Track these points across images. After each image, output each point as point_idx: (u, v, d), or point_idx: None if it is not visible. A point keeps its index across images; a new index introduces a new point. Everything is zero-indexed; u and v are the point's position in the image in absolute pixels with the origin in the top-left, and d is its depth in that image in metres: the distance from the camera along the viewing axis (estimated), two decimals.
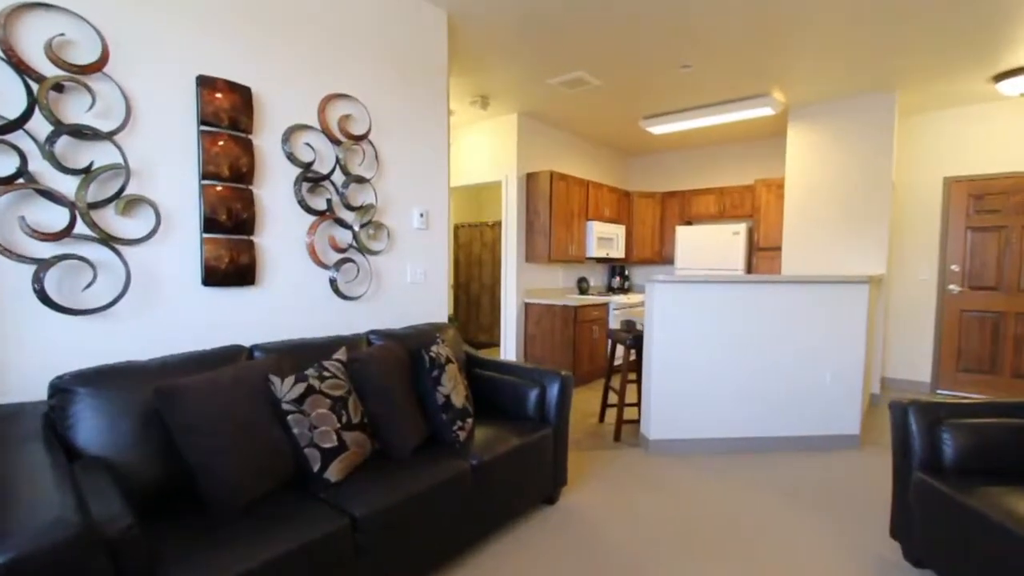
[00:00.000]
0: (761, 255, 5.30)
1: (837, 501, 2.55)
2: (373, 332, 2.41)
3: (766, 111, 4.48)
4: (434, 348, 2.21)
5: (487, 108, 4.64)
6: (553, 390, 2.44)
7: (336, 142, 2.41)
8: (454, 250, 7.82)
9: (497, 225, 7.22)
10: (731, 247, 5.39)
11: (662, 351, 3.15)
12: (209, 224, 1.99)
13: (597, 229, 5.47)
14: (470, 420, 2.19)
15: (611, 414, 3.95)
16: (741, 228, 5.33)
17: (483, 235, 7.46)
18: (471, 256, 7.65)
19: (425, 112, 2.88)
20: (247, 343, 2.11)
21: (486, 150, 5.25)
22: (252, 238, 2.13)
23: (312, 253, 2.32)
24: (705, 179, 6.20)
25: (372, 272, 2.61)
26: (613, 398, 4.32)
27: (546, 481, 2.39)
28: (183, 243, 1.95)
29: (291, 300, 2.27)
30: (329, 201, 2.38)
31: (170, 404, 1.47)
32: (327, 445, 1.67)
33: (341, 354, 2.03)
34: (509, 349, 5.12)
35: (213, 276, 2.01)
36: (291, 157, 2.24)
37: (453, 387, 2.16)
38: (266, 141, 2.18)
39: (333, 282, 2.39)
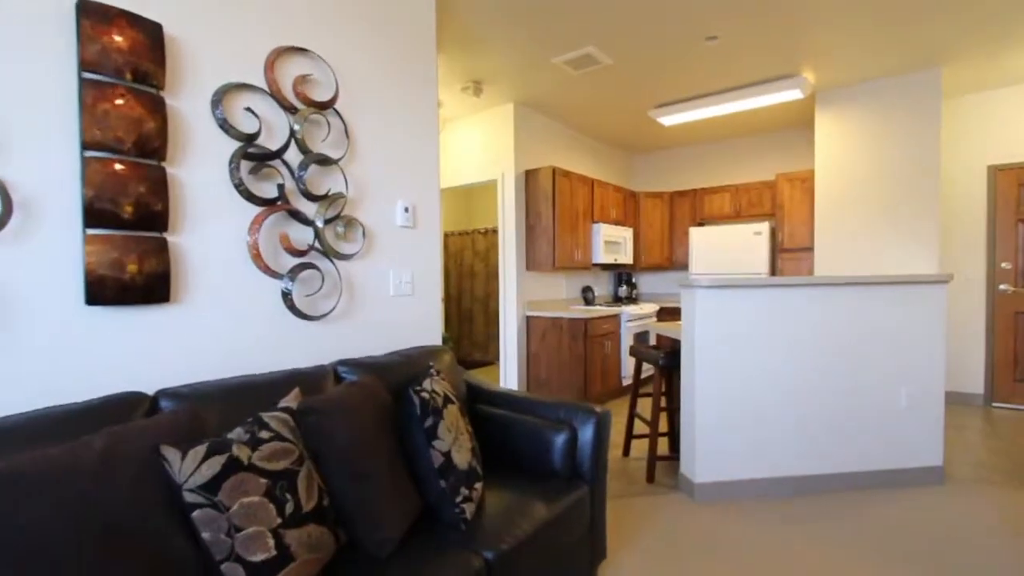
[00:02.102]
0: (786, 257, 4.78)
1: (962, 565, 1.96)
2: (343, 363, 1.78)
3: (794, 94, 3.98)
4: (427, 384, 1.59)
5: (480, 95, 4.07)
6: (586, 433, 1.83)
7: (291, 109, 1.80)
8: (443, 260, 7.22)
9: (490, 232, 6.64)
10: (752, 249, 4.87)
11: (708, 372, 2.56)
12: (96, 215, 1.36)
13: (604, 232, 4.90)
14: (479, 485, 1.56)
15: (637, 446, 3.34)
16: (763, 228, 4.81)
17: (475, 243, 6.88)
18: (462, 266, 7.05)
19: (409, 82, 2.29)
20: (155, 387, 1.47)
21: (478, 146, 4.68)
22: (166, 236, 1.50)
23: (256, 257, 1.69)
24: (718, 176, 5.69)
25: (342, 282, 1.99)
26: (639, 426, 3.72)
27: (581, 560, 1.77)
28: (52, 242, 1.31)
29: (224, 322, 1.64)
30: (281, 187, 1.76)
31: None
32: (258, 557, 1.04)
33: (292, 399, 1.41)
34: (510, 369, 4.50)
35: (103, 291, 1.38)
36: (225, 126, 1.62)
37: (454, 439, 1.54)
38: (188, 102, 1.56)
39: (287, 296, 1.76)
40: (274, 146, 1.75)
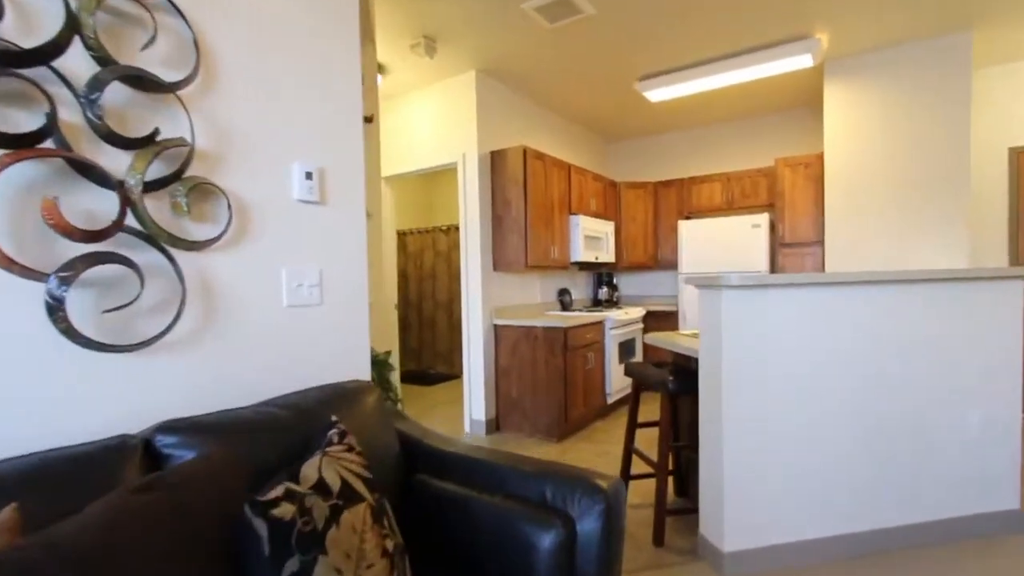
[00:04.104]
0: (787, 252, 4.22)
1: None
2: (168, 428, 1.02)
3: (804, 60, 3.41)
4: (309, 472, 0.86)
5: (434, 56, 3.34)
6: (588, 525, 1.13)
7: None
8: (401, 262, 6.43)
9: (453, 230, 5.91)
10: (750, 244, 4.29)
11: (739, 400, 1.90)
12: None
13: (584, 225, 4.24)
14: None
15: (637, 489, 2.66)
16: (762, 220, 4.24)
17: (436, 242, 6.13)
18: (423, 268, 6.28)
19: None
20: None
21: (435, 123, 3.94)
22: None
23: None
24: (707, 164, 5.12)
25: (185, 285, 1.22)
26: (638, 464, 3.03)
27: None
28: None
29: None
30: (50, 117, 0.99)
31: None
32: None
33: None
34: (475, 388, 3.77)
35: None
36: None
37: None
38: None
39: (55, 309, 0.98)
40: (32, 42, 0.98)
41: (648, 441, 3.41)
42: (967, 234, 3.29)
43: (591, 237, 4.35)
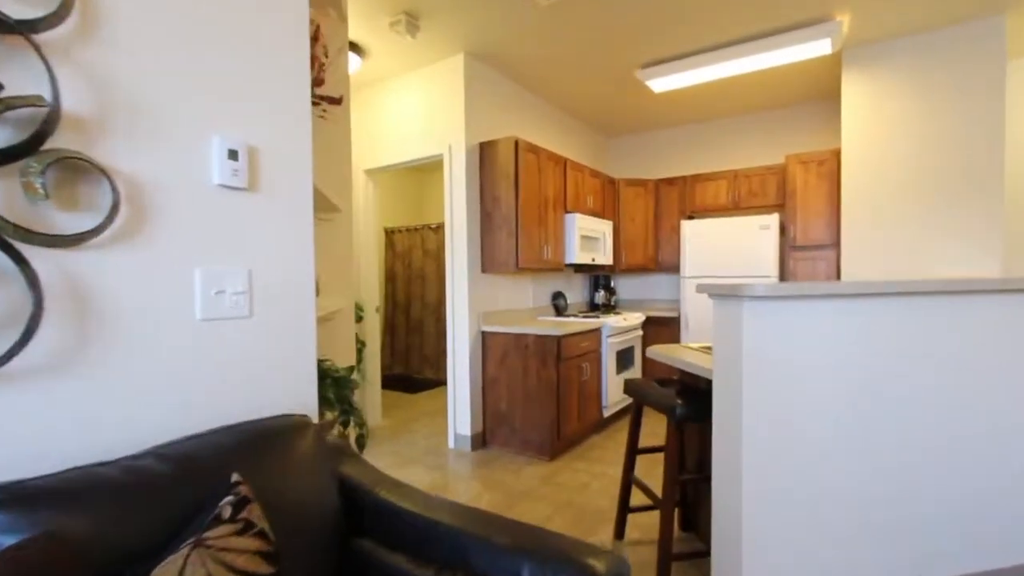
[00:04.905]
0: (798, 256, 3.94)
1: None
2: None
3: (822, 46, 3.13)
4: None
5: (416, 35, 3.03)
6: None
7: None
8: (388, 262, 6.14)
9: (443, 227, 5.60)
10: (759, 247, 4.01)
11: (761, 428, 1.61)
12: None
13: (580, 224, 3.94)
14: None
15: (637, 523, 2.37)
16: (771, 221, 3.96)
17: (425, 241, 5.83)
18: (411, 269, 5.98)
19: None
20: None
21: (419, 112, 3.63)
22: None
23: None
24: (711, 161, 4.84)
25: (50, 294, 0.91)
26: (636, 494, 2.74)
27: None
28: None
29: None
30: None
31: None
32: None
33: None
34: (461, 400, 3.47)
35: None
36: None
37: None
38: None
39: None
40: None
41: (649, 463, 3.11)
42: (1000, 239, 3.01)
43: (588, 237, 4.05)
